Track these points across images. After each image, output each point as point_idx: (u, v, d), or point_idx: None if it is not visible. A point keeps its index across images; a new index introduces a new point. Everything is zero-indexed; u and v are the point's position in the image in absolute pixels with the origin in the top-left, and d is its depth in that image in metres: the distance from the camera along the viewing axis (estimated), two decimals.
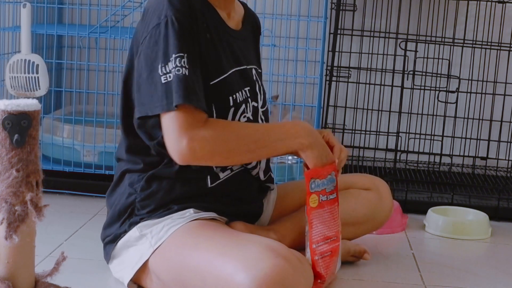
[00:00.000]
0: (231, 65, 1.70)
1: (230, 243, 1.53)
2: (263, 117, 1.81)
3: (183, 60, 1.54)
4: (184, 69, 1.54)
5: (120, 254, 1.70)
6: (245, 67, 1.76)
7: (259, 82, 1.81)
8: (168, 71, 1.54)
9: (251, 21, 1.86)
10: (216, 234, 1.58)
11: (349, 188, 1.95)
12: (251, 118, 1.73)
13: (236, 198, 1.74)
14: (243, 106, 1.71)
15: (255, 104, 1.76)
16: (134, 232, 1.67)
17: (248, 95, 1.74)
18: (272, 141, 1.62)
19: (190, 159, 1.55)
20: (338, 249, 1.66)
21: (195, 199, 1.68)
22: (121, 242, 1.69)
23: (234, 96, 1.68)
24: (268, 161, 1.84)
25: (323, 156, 1.65)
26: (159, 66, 1.55)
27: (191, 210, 1.66)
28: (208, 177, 1.69)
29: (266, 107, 1.83)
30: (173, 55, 1.54)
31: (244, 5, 1.88)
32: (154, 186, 1.67)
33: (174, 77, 1.53)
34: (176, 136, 1.53)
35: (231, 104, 1.68)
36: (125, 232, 1.69)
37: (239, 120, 1.70)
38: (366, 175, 2.05)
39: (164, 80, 1.54)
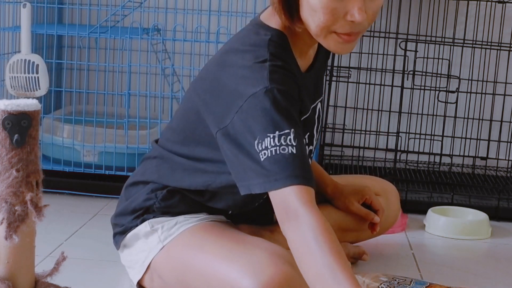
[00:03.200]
0: (301, 116, 1.58)
1: (237, 247, 1.52)
2: (311, 155, 1.74)
3: (289, 137, 1.40)
4: (290, 147, 1.39)
5: (130, 244, 1.69)
6: (310, 110, 1.63)
7: (320, 118, 1.72)
8: (265, 147, 1.39)
9: (323, 49, 1.67)
10: (223, 237, 1.57)
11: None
12: None
13: (251, 219, 1.75)
14: None
15: (311, 148, 1.69)
16: (145, 226, 1.65)
17: (307, 141, 1.65)
18: None
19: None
20: None
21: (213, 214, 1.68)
22: (130, 234, 1.68)
23: None
24: None
25: None
26: (255, 143, 1.40)
27: (205, 213, 1.67)
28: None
29: (316, 142, 1.74)
30: (276, 132, 1.39)
31: None
32: (175, 200, 1.65)
33: (288, 153, 1.39)
34: (280, 220, 1.40)
35: None
36: (136, 226, 1.67)
37: None
38: (376, 179, 2.04)
39: (262, 156, 1.39)
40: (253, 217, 1.76)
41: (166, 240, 1.61)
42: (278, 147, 1.37)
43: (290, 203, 1.36)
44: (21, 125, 1.17)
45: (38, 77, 2.44)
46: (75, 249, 1.98)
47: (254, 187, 1.40)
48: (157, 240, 1.62)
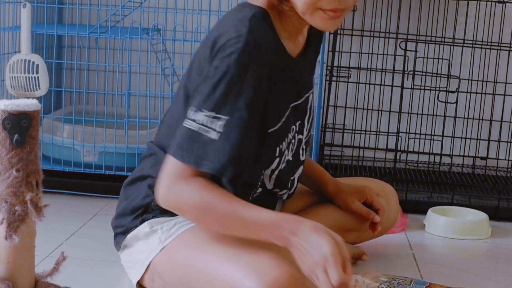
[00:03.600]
0: (289, 102, 1.63)
1: (240, 249, 1.50)
2: (304, 147, 1.76)
3: (219, 123, 1.47)
4: (213, 132, 1.47)
5: (130, 245, 1.69)
6: (303, 98, 1.68)
7: (312, 109, 1.74)
8: (193, 119, 1.48)
9: (315, 35, 1.72)
10: (226, 238, 1.55)
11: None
12: (290, 159, 1.70)
13: None
14: (286, 152, 1.67)
15: (301, 137, 1.72)
16: (144, 227, 1.65)
17: (297, 129, 1.69)
18: (248, 230, 1.49)
19: (162, 204, 1.53)
20: None
21: None
22: (131, 234, 1.68)
23: (281, 145, 1.63)
24: (297, 185, 1.81)
25: (307, 262, 1.42)
26: (199, 110, 1.48)
27: None
28: None
29: (310, 134, 1.78)
30: (212, 112, 1.47)
31: None
32: None
33: (196, 131, 1.48)
34: (165, 178, 1.51)
35: (277, 154, 1.63)
36: (136, 226, 1.67)
37: (280, 168, 1.66)
38: (374, 180, 2.05)
39: (187, 125, 1.49)
40: None
41: (167, 240, 1.60)
42: (204, 127, 1.46)
43: (181, 174, 1.48)
44: (21, 125, 1.17)
45: (38, 77, 2.44)
46: (75, 249, 1.98)
47: (170, 148, 1.51)
48: (158, 241, 1.62)
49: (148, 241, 1.64)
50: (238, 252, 1.50)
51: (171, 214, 1.63)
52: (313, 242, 1.41)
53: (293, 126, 1.67)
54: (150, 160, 1.71)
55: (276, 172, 1.67)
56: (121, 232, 1.71)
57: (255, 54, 1.47)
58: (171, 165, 1.51)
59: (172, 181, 1.50)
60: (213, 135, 1.46)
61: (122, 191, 1.76)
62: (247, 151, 1.50)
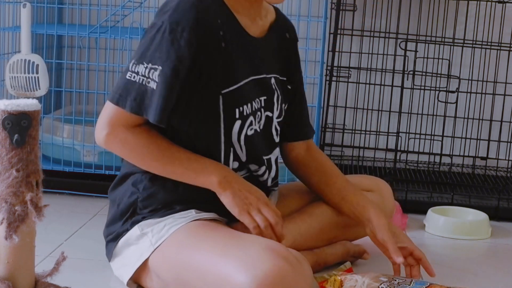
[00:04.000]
0: (247, 73, 1.69)
1: (231, 243, 1.53)
2: (278, 127, 1.80)
3: (155, 73, 1.57)
4: (152, 82, 1.58)
5: (121, 252, 1.70)
6: (264, 76, 1.74)
7: (278, 91, 1.79)
8: (136, 71, 1.59)
9: (279, 28, 1.81)
10: (217, 234, 1.59)
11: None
12: (258, 130, 1.73)
13: None
14: (251, 118, 1.70)
15: (270, 114, 1.76)
16: (135, 230, 1.67)
17: (263, 105, 1.73)
18: (186, 171, 1.63)
19: (105, 148, 1.65)
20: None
21: (199, 201, 1.68)
22: (122, 240, 1.69)
23: (241, 108, 1.67)
24: (277, 169, 1.83)
25: (241, 203, 1.62)
26: (131, 63, 1.61)
27: (193, 211, 1.66)
28: None
29: (282, 117, 1.81)
30: (149, 63, 1.58)
31: (277, 11, 1.84)
32: (157, 186, 1.67)
33: (138, 82, 1.59)
34: (103, 123, 1.62)
35: (237, 116, 1.67)
36: (127, 230, 1.69)
37: (245, 133, 1.69)
38: (368, 177, 2.06)
39: (128, 76, 1.60)
40: None
41: (157, 243, 1.63)
42: (145, 78, 1.58)
43: (126, 122, 1.61)
44: (21, 125, 1.17)
45: (38, 77, 2.44)
46: (75, 249, 1.98)
47: (112, 96, 1.62)
48: (149, 243, 1.64)
49: (139, 245, 1.66)
50: (229, 247, 1.52)
51: (160, 214, 1.65)
52: (246, 186, 1.63)
53: (258, 99, 1.72)
54: (126, 162, 1.74)
55: (243, 137, 1.69)
56: (112, 239, 1.73)
57: (188, 10, 1.58)
58: (113, 113, 1.61)
59: (116, 128, 1.61)
60: (153, 85, 1.57)
61: (109, 198, 1.79)
62: (183, 99, 1.61)
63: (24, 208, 1.19)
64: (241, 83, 1.67)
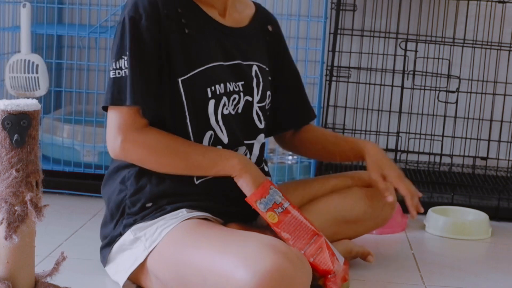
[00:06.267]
0: (215, 59, 1.73)
1: (229, 241, 1.54)
2: (260, 113, 1.82)
3: (124, 62, 1.63)
4: (123, 71, 1.63)
5: (115, 257, 1.71)
6: (239, 62, 1.77)
7: (260, 79, 1.82)
8: (118, 67, 1.64)
9: (259, 21, 1.89)
10: (215, 232, 1.59)
11: (351, 186, 1.95)
12: (233, 112, 1.75)
13: (228, 198, 1.74)
14: (224, 99, 1.72)
15: (249, 99, 1.78)
16: (128, 235, 1.68)
17: (241, 89, 1.76)
18: (204, 160, 1.67)
19: (121, 157, 1.67)
20: (323, 242, 1.68)
21: (186, 196, 1.69)
22: (116, 245, 1.70)
23: (213, 88, 1.71)
24: (261, 158, 1.84)
25: (257, 179, 1.68)
26: (112, 62, 1.65)
27: (184, 210, 1.67)
28: None
29: (265, 103, 1.83)
30: (126, 54, 1.63)
31: (257, 6, 1.91)
32: (143, 181, 1.69)
33: (117, 77, 1.63)
34: (114, 132, 1.63)
35: (210, 95, 1.70)
36: (120, 235, 1.69)
37: (221, 112, 1.72)
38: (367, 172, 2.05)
39: (113, 75, 1.64)
40: (242, 213, 1.76)
41: (151, 246, 1.63)
42: (120, 71, 1.63)
43: (132, 126, 1.63)
44: (21, 125, 1.17)
45: (38, 77, 2.44)
46: (75, 249, 1.98)
47: (106, 101, 1.65)
48: (143, 247, 1.65)
49: (133, 250, 1.67)
50: (227, 244, 1.52)
51: (151, 216, 1.67)
52: (260, 172, 1.69)
53: (234, 83, 1.75)
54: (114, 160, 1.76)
55: (220, 117, 1.71)
56: (106, 245, 1.73)
57: (146, 1, 1.65)
58: (118, 118, 1.63)
59: (128, 133, 1.63)
60: (125, 73, 1.63)
61: (102, 193, 1.81)
62: (154, 83, 1.65)
63: (24, 208, 1.19)
64: (205, 66, 1.71)
